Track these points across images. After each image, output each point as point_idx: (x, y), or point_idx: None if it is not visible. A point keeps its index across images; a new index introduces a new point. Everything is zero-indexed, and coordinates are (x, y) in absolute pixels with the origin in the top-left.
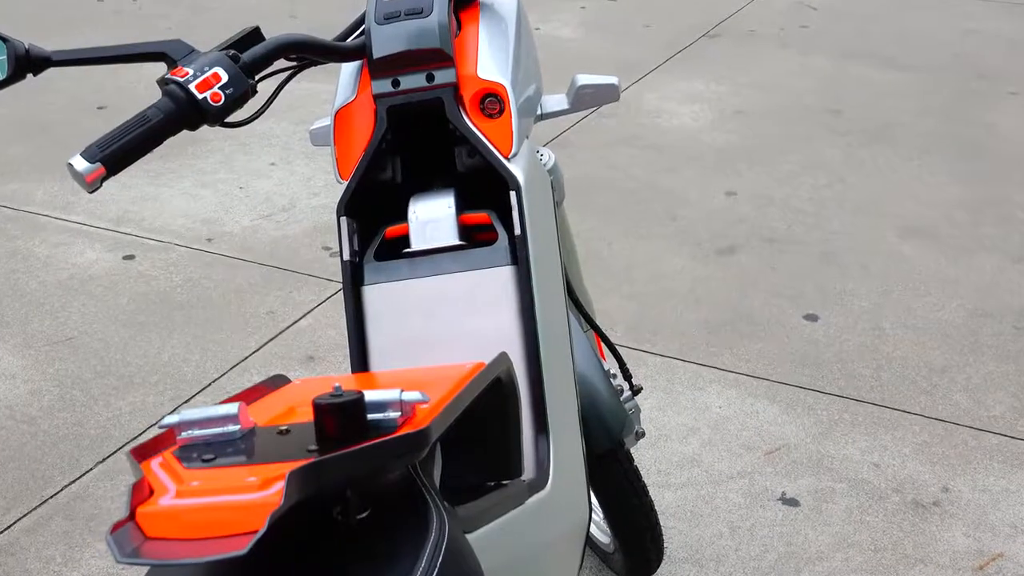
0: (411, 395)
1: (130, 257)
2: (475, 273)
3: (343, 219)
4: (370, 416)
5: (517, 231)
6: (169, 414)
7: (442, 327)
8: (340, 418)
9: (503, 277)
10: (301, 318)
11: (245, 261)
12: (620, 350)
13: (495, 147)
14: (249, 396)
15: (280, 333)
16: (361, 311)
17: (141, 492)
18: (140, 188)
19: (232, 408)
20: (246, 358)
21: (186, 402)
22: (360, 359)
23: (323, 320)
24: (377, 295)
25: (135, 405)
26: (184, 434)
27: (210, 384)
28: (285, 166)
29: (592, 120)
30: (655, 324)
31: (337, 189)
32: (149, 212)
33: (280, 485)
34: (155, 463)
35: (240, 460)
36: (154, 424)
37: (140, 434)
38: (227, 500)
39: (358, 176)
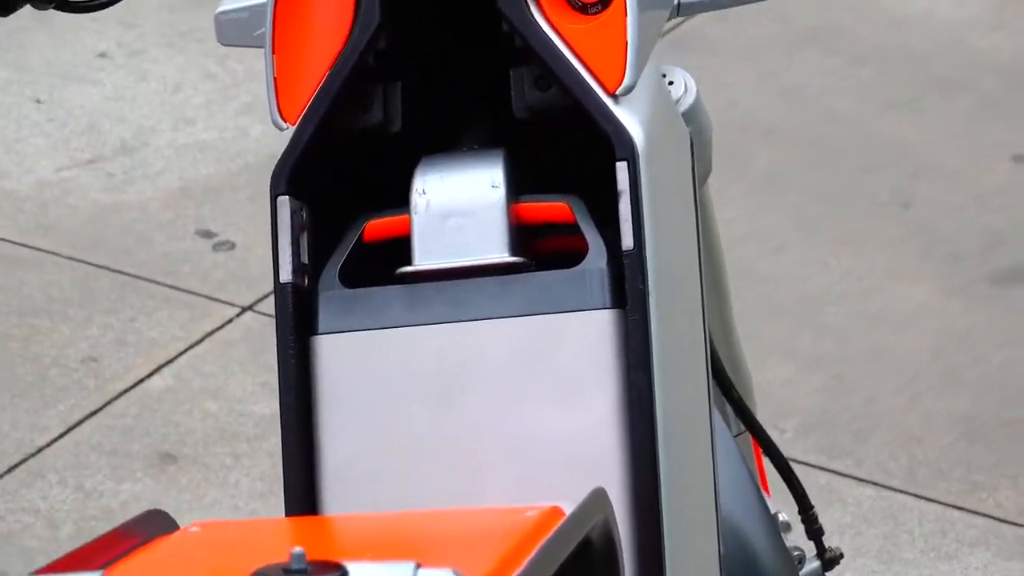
0: (435, 573)
1: None
2: (541, 321)
3: (283, 199)
4: None
5: (627, 242)
6: None
7: (471, 426)
8: None
9: (595, 330)
10: (152, 373)
11: (45, 253)
12: (800, 470)
13: (591, 72)
14: (109, 551)
15: (109, 403)
16: (309, 385)
17: None
18: None
19: None
20: (37, 452)
21: None
22: (303, 481)
23: (196, 378)
24: (341, 356)
25: None
26: None
27: None
28: (129, 60)
29: None
30: (864, 421)
31: (273, 138)
32: None
33: None
34: None
35: None
36: None
37: None
38: None
39: (317, 117)
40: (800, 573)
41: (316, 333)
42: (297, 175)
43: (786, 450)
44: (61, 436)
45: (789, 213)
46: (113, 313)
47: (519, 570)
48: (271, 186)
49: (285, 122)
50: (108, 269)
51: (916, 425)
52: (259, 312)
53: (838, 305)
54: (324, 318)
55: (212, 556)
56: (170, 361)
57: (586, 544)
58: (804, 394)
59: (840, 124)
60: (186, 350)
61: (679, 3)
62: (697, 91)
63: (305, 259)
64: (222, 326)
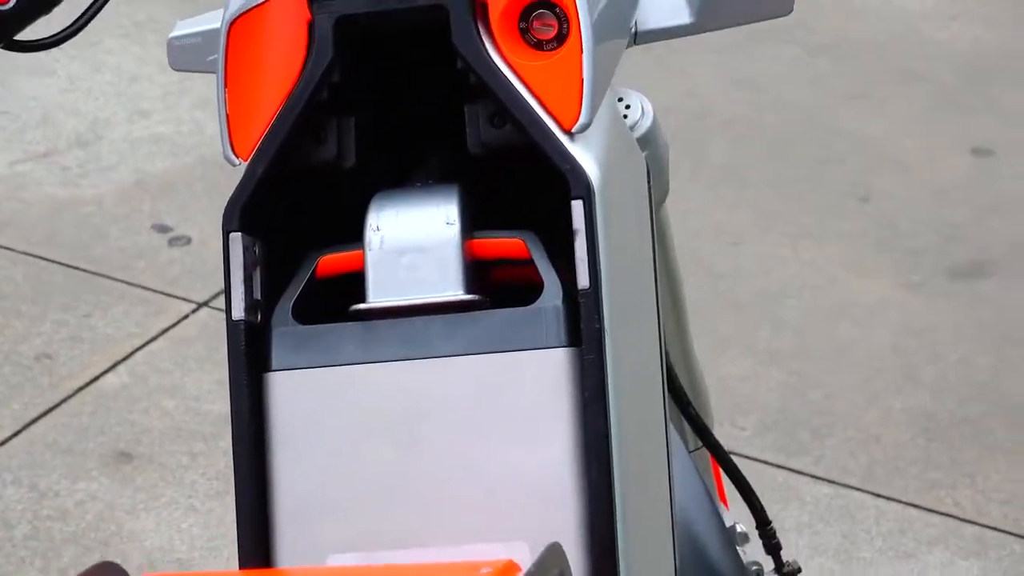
0: None
1: None
2: (496, 359)
3: (235, 236)
4: None
5: (583, 281)
6: None
7: (427, 465)
8: None
9: (550, 369)
10: (108, 370)
11: None
12: (757, 469)
13: (547, 109)
14: None
15: (63, 400)
16: (261, 424)
17: None
18: None
19: None
20: None
21: None
22: (255, 520)
23: (152, 376)
24: (295, 393)
25: None
26: None
27: None
28: (83, 51)
29: None
30: (823, 418)
31: (226, 174)
32: None
33: None
34: None
35: None
36: None
37: None
38: None
39: (270, 153)
40: None
41: (269, 370)
42: (249, 211)
43: (744, 448)
44: (15, 435)
45: (747, 206)
46: (68, 309)
47: None
48: (223, 222)
49: (237, 157)
50: (63, 264)
51: (875, 423)
52: (215, 308)
53: (796, 299)
54: (277, 355)
55: None
56: (126, 358)
57: None
58: (762, 391)
59: (798, 115)
60: (142, 347)
61: (636, 32)
62: (653, 114)
63: (258, 295)
64: (178, 322)
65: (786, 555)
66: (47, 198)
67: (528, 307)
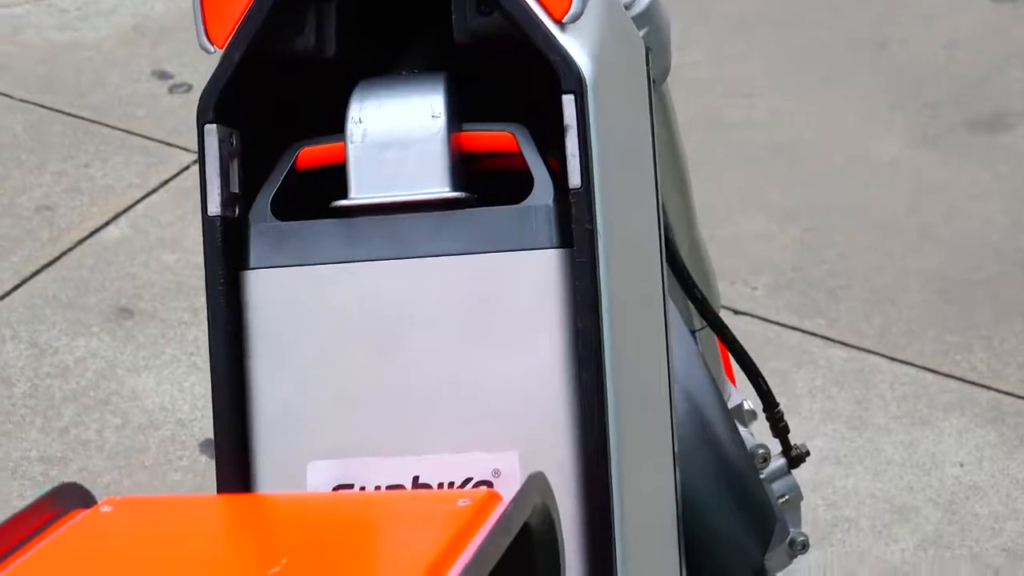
0: None
1: None
2: (483, 260)
3: (210, 127)
4: None
5: (574, 180)
6: None
7: (411, 370)
8: None
9: (540, 271)
10: (108, 223)
11: None
12: (772, 330)
13: None
14: (9, 538)
15: (64, 254)
16: (240, 325)
17: None
18: None
19: None
20: None
21: None
22: (232, 428)
23: (153, 228)
24: (273, 293)
25: None
26: None
27: None
28: None
29: None
30: (838, 278)
31: (200, 61)
32: None
33: None
34: None
35: None
36: None
37: None
38: None
39: (246, 40)
40: (765, 471)
41: (247, 268)
42: (226, 101)
43: (757, 308)
44: (15, 289)
45: (760, 57)
46: (67, 159)
47: (457, 567)
48: (198, 114)
49: (212, 45)
50: (61, 112)
51: (890, 284)
52: None
53: (811, 155)
54: (255, 252)
55: (122, 545)
56: (126, 210)
57: (525, 531)
58: (776, 249)
59: None
60: (142, 198)
61: None
62: None
63: (236, 188)
64: (179, 173)
65: (796, 430)
66: (45, 42)
67: (517, 206)
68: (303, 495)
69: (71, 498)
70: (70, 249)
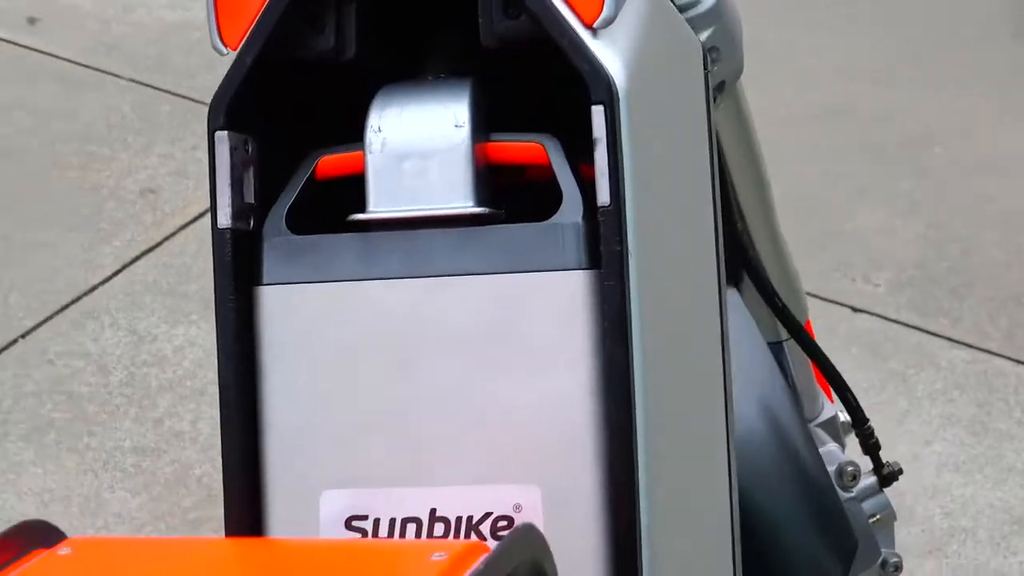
0: None
1: None
2: (507, 280)
3: (221, 135)
4: None
5: (603, 197)
6: None
7: (428, 395)
8: None
9: (567, 294)
10: None
11: (106, 75)
12: (892, 330)
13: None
14: None
15: (166, 239)
16: (251, 344)
17: None
18: None
19: None
20: (90, 291)
21: None
22: (243, 446)
23: None
24: (287, 310)
25: None
26: None
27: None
28: None
29: None
30: (962, 276)
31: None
32: None
33: None
34: None
35: None
36: None
37: None
38: None
39: (261, 41)
40: (855, 489)
41: (260, 284)
42: (239, 107)
43: (877, 306)
44: (115, 274)
45: (892, 41)
46: (175, 142)
47: None
48: (208, 120)
49: (225, 46)
50: (171, 93)
51: (1017, 283)
52: None
53: (940, 146)
54: (269, 267)
55: None
56: None
57: None
58: (899, 243)
59: None
60: None
61: None
62: None
63: (250, 199)
64: None
65: (915, 435)
66: (157, 22)
67: (544, 223)
68: (269, 541)
69: (34, 537)
70: (173, 234)
